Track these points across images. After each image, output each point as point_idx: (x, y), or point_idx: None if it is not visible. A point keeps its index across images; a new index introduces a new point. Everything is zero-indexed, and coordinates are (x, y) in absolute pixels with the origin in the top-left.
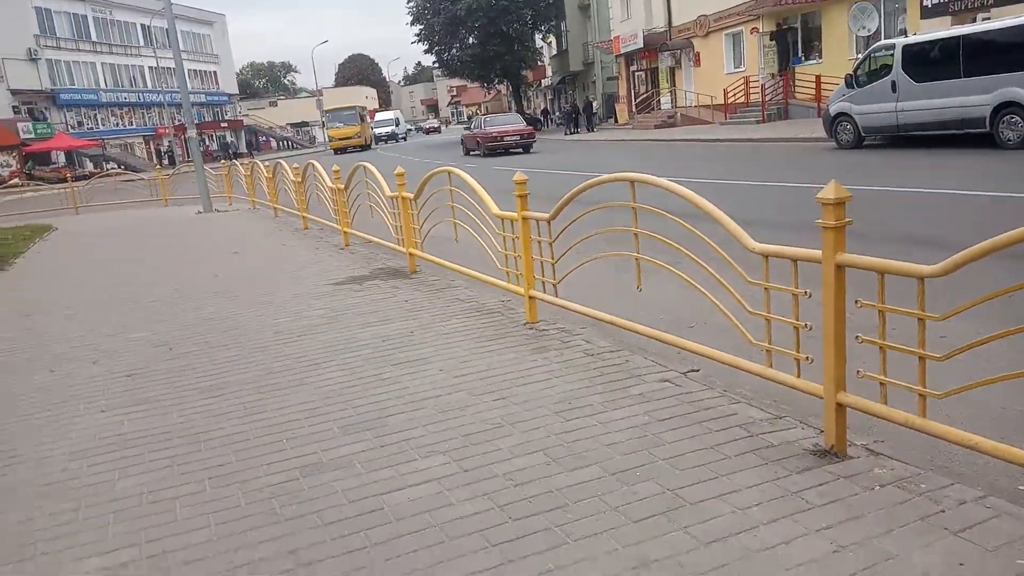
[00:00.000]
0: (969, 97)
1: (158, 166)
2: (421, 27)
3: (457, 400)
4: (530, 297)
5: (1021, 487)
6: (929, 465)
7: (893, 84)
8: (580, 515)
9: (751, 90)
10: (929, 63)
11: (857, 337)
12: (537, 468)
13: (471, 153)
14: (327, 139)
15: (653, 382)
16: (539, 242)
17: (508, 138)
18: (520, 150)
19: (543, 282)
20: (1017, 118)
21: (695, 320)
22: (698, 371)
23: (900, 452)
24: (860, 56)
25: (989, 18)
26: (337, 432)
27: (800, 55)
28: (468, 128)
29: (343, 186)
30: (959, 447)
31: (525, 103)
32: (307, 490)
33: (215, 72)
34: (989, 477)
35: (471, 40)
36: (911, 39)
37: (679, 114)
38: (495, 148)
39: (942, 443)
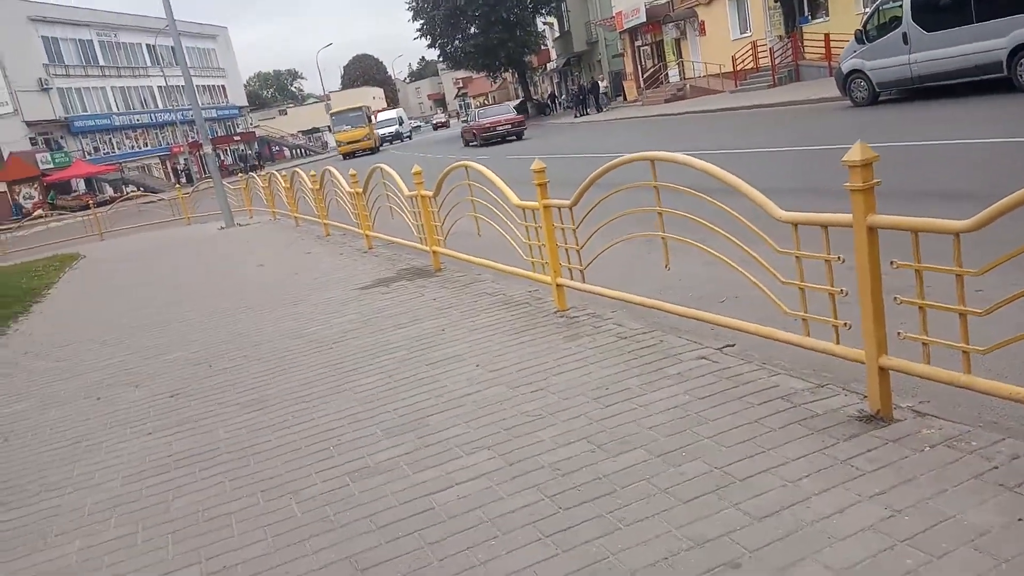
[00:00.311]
0: (983, 42)
1: (176, 185)
2: (422, 21)
3: (495, 394)
4: (558, 285)
5: None
6: (977, 422)
7: (904, 36)
8: (630, 500)
9: (759, 55)
10: (939, 11)
11: (896, 299)
12: (582, 456)
13: (470, 144)
14: (336, 143)
15: (689, 360)
16: (562, 229)
17: (500, 127)
18: (514, 137)
19: (570, 269)
20: None
21: (725, 295)
22: (733, 346)
23: (947, 411)
24: (868, 10)
25: None
26: (380, 436)
27: (807, 14)
28: (466, 121)
29: (361, 189)
30: (1007, 401)
31: (532, 88)
32: (358, 495)
33: (223, 86)
34: None
35: (472, 30)
36: None
37: (688, 86)
38: (489, 137)
39: (988, 399)
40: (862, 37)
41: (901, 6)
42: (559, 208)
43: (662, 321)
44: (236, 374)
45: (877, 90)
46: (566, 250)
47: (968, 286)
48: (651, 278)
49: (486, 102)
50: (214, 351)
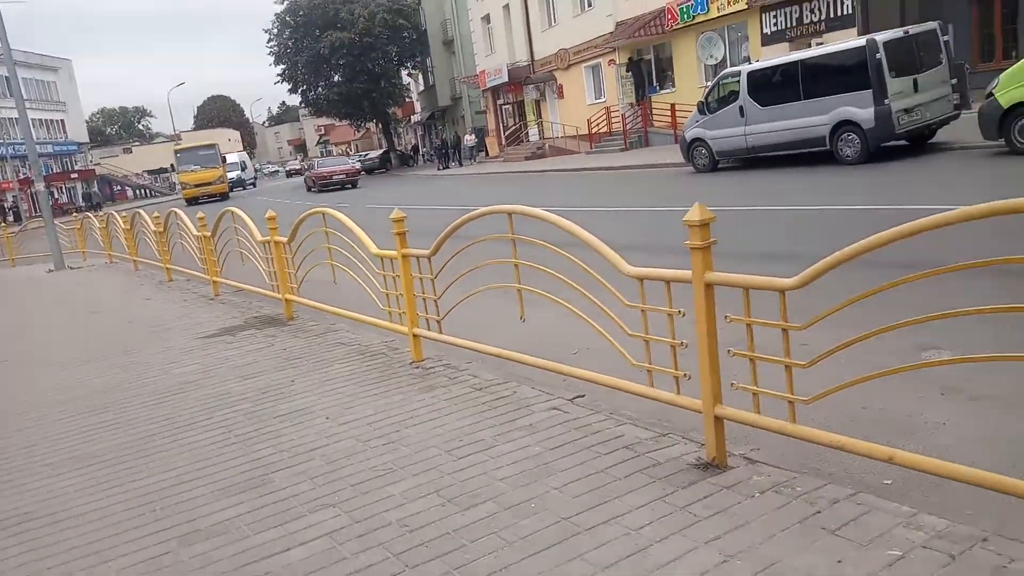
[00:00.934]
0: (810, 118)
1: (2, 223)
2: (284, 66)
3: (344, 448)
4: (414, 335)
5: (887, 481)
6: (803, 468)
7: (741, 109)
8: (478, 554)
9: (613, 119)
10: (772, 87)
11: (729, 351)
12: (432, 511)
13: (311, 190)
14: (180, 186)
15: (541, 411)
16: (420, 279)
17: (336, 177)
18: (350, 186)
19: (426, 319)
20: (853, 135)
21: (578, 346)
22: (584, 396)
23: (775, 458)
24: (709, 84)
25: (823, 43)
26: (216, 495)
27: (655, 84)
28: (308, 169)
29: (209, 233)
30: (828, 448)
31: (395, 139)
32: (186, 561)
33: (62, 120)
34: (857, 475)
35: (336, 78)
36: (754, 65)
37: (547, 145)
38: (326, 185)
39: (812, 446)
40: (704, 108)
41: (739, 82)
42: (418, 258)
43: (517, 372)
44: (51, 430)
45: (717, 158)
46: (423, 300)
47: (794, 340)
48: (508, 329)
49: (348, 150)
50: (30, 403)
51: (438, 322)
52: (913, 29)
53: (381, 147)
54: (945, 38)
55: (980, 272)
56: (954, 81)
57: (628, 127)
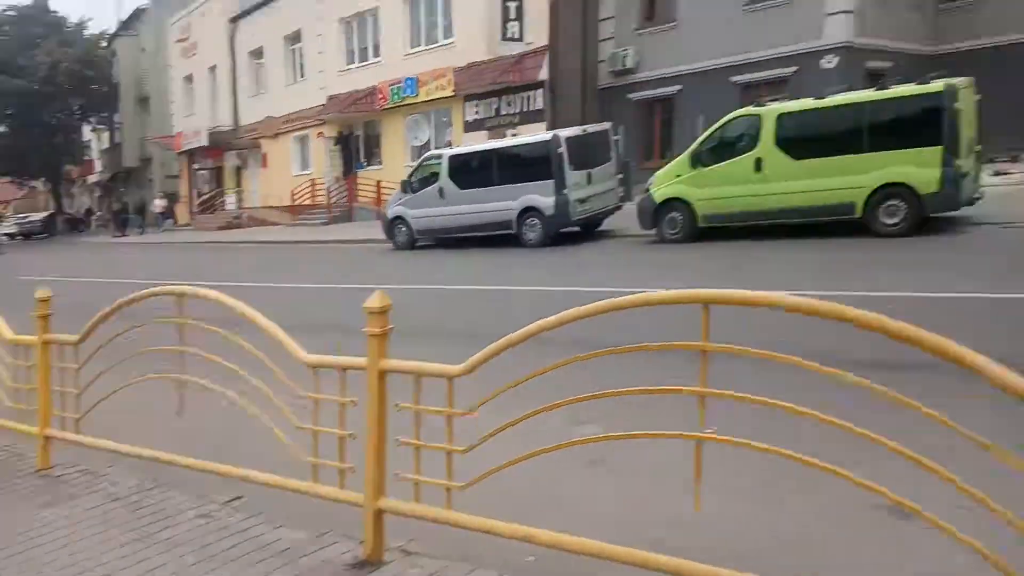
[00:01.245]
0: (501, 203)
1: None
2: None
3: None
4: (46, 437)
5: (529, 558)
6: (455, 555)
7: (441, 190)
8: None
9: (317, 192)
10: (470, 172)
11: (397, 440)
12: None
13: None
14: None
15: (188, 521)
16: (64, 369)
17: None
18: None
19: (63, 418)
20: (536, 220)
21: (250, 440)
22: (242, 498)
23: (433, 548)
24: (414, 164)
25: (516, 134)
26: None
27: (363, 160)
28: None
29: None
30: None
31: (67, 200)
32: None
33: None
34: (504, 555)
35: (2, 128)
36: (455, 150)
37: (246, 215)
38: None
39: (472, 533)
40: (407, 187)
41: (440, 164)
42: (62, 345)
43: (170, 475)
44: None
45: (416, 236)
46: (62, 394)
47: (466, 425)
48: (167, 425)
49: (4, 211)
50: None
51: (76, 421)
52: (590, 128)
53: (48, 209)
54: (616, 137)
55: (639, 354)
56: (620, 176)
57: (333, 201)
